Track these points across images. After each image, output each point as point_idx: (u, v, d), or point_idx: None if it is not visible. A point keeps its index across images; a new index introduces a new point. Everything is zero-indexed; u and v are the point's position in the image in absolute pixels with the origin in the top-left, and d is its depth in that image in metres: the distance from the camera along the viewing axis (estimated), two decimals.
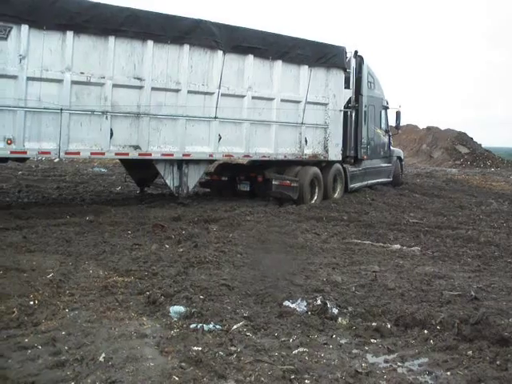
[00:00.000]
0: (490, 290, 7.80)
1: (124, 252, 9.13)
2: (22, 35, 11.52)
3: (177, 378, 4.73)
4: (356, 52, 18.42)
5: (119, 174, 21.71)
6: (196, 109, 14.13)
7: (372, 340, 5.92)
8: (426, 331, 6.10)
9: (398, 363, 5.34)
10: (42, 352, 5.20)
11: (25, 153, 11.93)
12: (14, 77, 11.55)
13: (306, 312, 6.56)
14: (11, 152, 11.71)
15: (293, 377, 4.88)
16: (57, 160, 23.63)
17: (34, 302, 6.46)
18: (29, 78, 11.68)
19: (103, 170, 24.43)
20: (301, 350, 5.50)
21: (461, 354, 5.51)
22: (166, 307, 6.45)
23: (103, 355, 5.11)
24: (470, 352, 5.52)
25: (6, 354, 5.13)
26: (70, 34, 12.08)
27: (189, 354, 5.19)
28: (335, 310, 6.57)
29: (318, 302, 6.71)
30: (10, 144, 11.50)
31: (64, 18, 12.02)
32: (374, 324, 6.27)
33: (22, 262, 8.12)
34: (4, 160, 13.23)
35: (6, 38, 11.41)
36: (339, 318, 6.43)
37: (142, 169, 15.19)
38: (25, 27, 11.53)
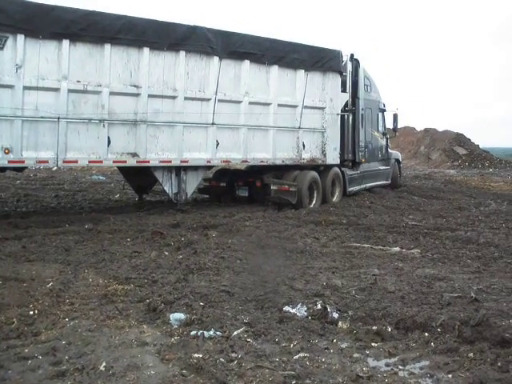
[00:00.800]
0: (490, 292, 7.78)
1: (123, 260, 9.13)
2: (18, 45, 11.52)
3: None
4: (352, 55, 18.46)
5: (117, 181, 21.73)
6: (193, 115, 14.13)
7: (373, 344, 5.91)
8: (426, 334, 6.09)
9: (400, 366, 5.34)
10: (43, 362, 5.19)
11: (23, 162, 11.92)
12: (11, 86, 11.54)
13: (307, 317, 6.55)
14: (9, 161, 11.70)
15: (294, 382, 4.87)
16: (55, 168, 23.61)
17: (34, 312, 6.44)
18: (25, 87, 11.66)
19: (101, 177, 24.45)
20: (302, 355, 5.49)
21: (462, 356, 5.50)
22: (166, 314, 6.43)
23: (104, 364, 5.10)
24: (471, 354, 5.51)
25: (6, 364, 5.12)
26: (66, 43, 12.08)
27: (189, 361, 5.18)
28: (335, 315, 6.56)
29: (319, 306, 6.71)
30: (7, 153, 11.48)
31: (60, 26, 12.01)
32: (374, 328, 6.26)
33: (22, 272, 8.11)
34: (2, 169, 13.27)
35: (2, 48, 11.41)
36: (340, 322, 6.42)
37: (140, 176, 15.19)
38: (21, 37, 11.53)
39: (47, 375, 4.93)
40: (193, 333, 5.92)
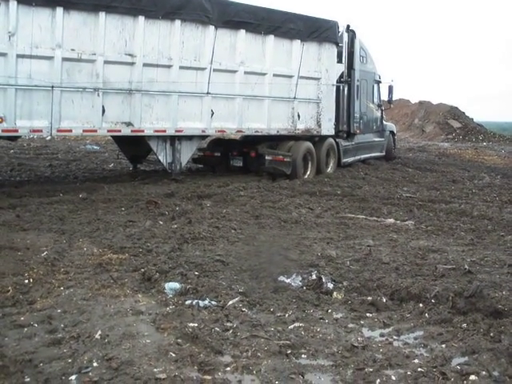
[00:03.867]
0: (483, 264, 7.85)
1: (118, 229, 9.12)
2: (11, 11, 11.25)
3: (173, 355, 4.75)
4: (348, 26, 18.32)
5: (112, 151, 21.63)
6: (188, 84, 14.03)
7: (367, 314, 5.95)
8: (421, 305, 6.14)
9: (394, 337, 5.38)
10: (38, 330, 5.21)
11: (16, 131, 11.82)
12: (4, 54, 11.31)
13: (301, 287, 6.59)
14: (2, 130, 11.56)
15: (289, 351, 4.90)
16: (49, 138, 23.43)
17: (29, 281, 6.45)
18: (19, 56, 11.44)
19: (95, 147, 24.30)
20: (297, 324, 5.53)
21: (455, 326, 5.55)
22: (161, 284, 6.45)
23: (99, 332, 5.12)
24: (464, 325, 5.56)
25: (3, 332, 5.14)
26: (59, 10, 11.83)
27: (185, 330, 5.20)
28: (330, 285, 6.59)
29: (313, 276, 6.74)
30: (1, 122, 11.30)
31: None
32: (369, 298, 6.30)
33: (16, 241, 8.10)
34: None
35: None
36: (334, 293, 6.46)
37: (134, 145, 15.12)
38: (13, 3, 11.25)
39: (43, 343, 4.94)
40: (188, 302, 5.95)
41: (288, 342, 5.07)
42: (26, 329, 5.23)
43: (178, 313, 5.63)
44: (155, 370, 4.49)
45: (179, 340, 5.03)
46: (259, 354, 4.84)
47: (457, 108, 48.05)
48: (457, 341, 5.23)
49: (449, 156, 26.95)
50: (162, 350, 4.82)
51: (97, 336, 5.06)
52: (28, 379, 4.35)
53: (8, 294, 6.02)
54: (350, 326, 5.63)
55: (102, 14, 12.45)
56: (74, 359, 4.65)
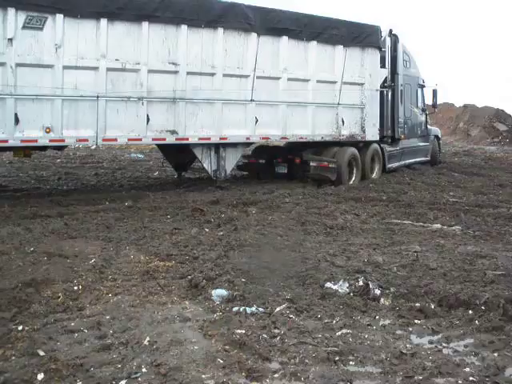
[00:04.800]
0: None
1: (164, 237, 9.19)
2: (57, 24, 11.62)
3: (221, 361, 4.75)
4: (391, 31, 18.19)
5: (156, 159, 21.86)
6: (232, 92, 14.11)
7: (416, 321, 5.87)
8: (470, 311, 6.03)
9: (443, 344, 5.29)
10: (88, 335, 5.29)
11: (63, 141, 12.10)
12: (51, 66, 11.66)
13: (348, 293, 6.54)
14: (50, 140, 11.87)
15: (337, 358, 4.87)
16: (94, 147, 23.83)
17: (78, 287, 6.55)
18: (65, 67, 11.77)
19: (140, 155, 24.58)
20: (344, 331, 5.48)
21: (507, 334, 5.44)
22: (208, 291, 6.47)
23: (148, 339, 5.16)
24: None
25: (55, 336, 5.24)
26: (103, 22, 12.12)
27: (232, 337, 5.21)
28: (377, 291, 6.52)
29: (360, 282, 6.68)
30: (48, 132, 11.65)
31: (98, 5, 12.08)
32: (417, 304, 6.22)
33: (65, 248, 8.23)
34: (43, 148, 13.46)
35: (41, 28, 11.52)
36: (382, 299, 6.39)
37: (179, 153, 15.27)
38: (59, 16, 11.62)
39: (93, 348, 5.01)
40: (235, 309, 5.95)
41: (336, 348, 5.04)
42: (76, 334, 5.31)
43: (225, 319, 5.64)
44: (203, 376, 4.50)
45: (227, 347, 5.03)
46: (307, 360, 4.82)
47: (503, 111, 47.14)
48: (510, 349, 5.12)
49: (495, 160, 26.48)
50: (209, 357, 4.83)
51: (145, 342, 5.10)
52: (80, 383, 4.43)
53: (59, 300, 6.13)
54: (398, 332, 5.56)
55: (145, 24, 12.66)
56: (123, 365, 4.70)
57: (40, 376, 4.52)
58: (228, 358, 4.81)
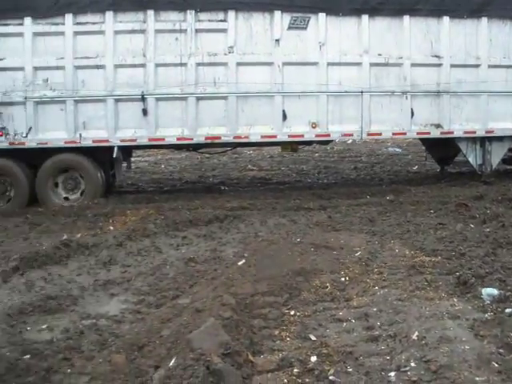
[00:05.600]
0: None
1: (428, 231, 9.02)
2: (320, 23, 12.23)
3: (496, 365, 4.50)
4: None
5: (414, 153, 21.51)
6: (498, 83, 13.47)
7: None
8: None
9: None
10: (356, 326, 5.39)
11: (328, 135, 12.66)
12: (315, 63, 12.31)
13: None
14: (316, 135, 12.50)
15: None
16: (350, 141, 24.12)
17: (345, 279, 6.70)
18: (329, 64, 12.33)
19: (397, 149, 24.34)
20: None
21: None
22: (478, 289, 6.18)
23: (416, 333, 5.08)
24: None
25: (324, 324, 5.46)
26: (365, 18, 12.46)
27: (506, 339, 4.92)
28: None
29: None
30: (314, 128, 12.27)
31: (358, 2, 12.46)
32: None
33: (330, 240, 8.45)
34: (309, 143, 14.08)
35: (305, 28, 12.23)
36: None
37: (442, 147, 14.92)
38: (322, 15, 12.23)
39: (361, 338, 5.10)
40: (508, 310, 5.61)
41: None
42: (344, 323, 5.45)
43: (497, 321, 5.36)
44: (477, 378, 4.31)
45: (501, 350, 4.77)
46: None
47: None
48: None
49: None
50: (482, 359, 4.61)
51: (414, 337, 5.03)
52: (350, 369, 4.55)
53: (326, 290, 6.34)
54: None
55: (406, 18, 12.70)
56: (391, 357, 4.71)
57: (313, 358, 4.75)
58: (504, 362, 4.55)
